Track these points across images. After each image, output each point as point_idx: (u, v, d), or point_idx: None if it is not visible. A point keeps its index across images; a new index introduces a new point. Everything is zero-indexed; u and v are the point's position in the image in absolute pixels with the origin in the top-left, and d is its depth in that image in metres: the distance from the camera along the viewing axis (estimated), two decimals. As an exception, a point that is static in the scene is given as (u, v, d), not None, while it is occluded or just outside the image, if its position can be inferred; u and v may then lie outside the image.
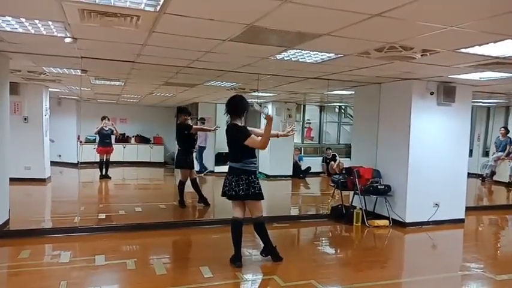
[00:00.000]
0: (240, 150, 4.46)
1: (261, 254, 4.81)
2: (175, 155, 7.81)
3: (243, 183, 4.42)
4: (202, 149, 11.86)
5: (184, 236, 5.85)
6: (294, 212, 8.56)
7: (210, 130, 9.42)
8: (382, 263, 5.09)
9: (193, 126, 7.88)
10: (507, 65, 4.78)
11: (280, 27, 3.60)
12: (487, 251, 5.93)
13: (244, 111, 4.59)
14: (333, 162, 12.44)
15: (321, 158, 13.30)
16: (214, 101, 12.16)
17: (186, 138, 7.51)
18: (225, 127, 4.74)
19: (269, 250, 4.73)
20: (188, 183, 7.47)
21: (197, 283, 4.01)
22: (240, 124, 4.55)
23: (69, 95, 11.64)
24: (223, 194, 4.61)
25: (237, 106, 4.54)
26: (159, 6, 3.14)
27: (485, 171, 11.66)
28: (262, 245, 4.79)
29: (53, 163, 10.58)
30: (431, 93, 6.49)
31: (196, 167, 9.69)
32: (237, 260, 4.48)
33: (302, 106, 13.74)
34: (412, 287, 4.47)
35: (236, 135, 4.46)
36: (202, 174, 11.61)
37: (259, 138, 4.43)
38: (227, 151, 4.77)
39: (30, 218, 6.47)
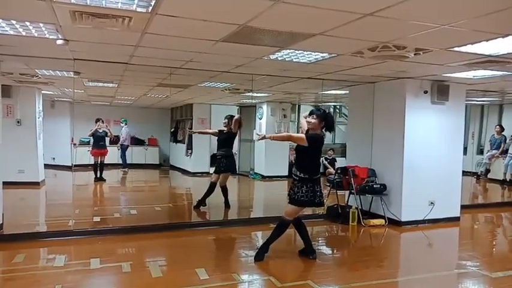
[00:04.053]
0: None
1: (301, 254, 4.92)
2: (230, 160, 7.38)
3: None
4: (125, 146, 13.35)
5: (180, 238, 5.82)
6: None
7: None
8: (378, 262, 5.10)
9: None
10: (499, 63, 4.81)
11: (273, 27, 3.60)
12: (482, 249, 5.95)
13: None
14: (330, 169, 12.12)
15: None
16: (209, 102, 12.13)
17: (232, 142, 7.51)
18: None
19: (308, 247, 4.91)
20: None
21: (193, 285, 3.97)
22: None
23: (62, 97, 11.56)
24: (317, 203, 4.67)
25: None
26: (150, 7, 3.12)
27: (479, 169, 11.71)
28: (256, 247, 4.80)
29: (46, 166, 10.49)
30: (425, 92, 6.50)
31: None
32: (312, 252, 4.75)
33: (297, 106, 13.71)
34: (408, 285, 4.48)
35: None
36: (126, 169, 13.16)
37: None
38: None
39: (24, 221, 6.42)
